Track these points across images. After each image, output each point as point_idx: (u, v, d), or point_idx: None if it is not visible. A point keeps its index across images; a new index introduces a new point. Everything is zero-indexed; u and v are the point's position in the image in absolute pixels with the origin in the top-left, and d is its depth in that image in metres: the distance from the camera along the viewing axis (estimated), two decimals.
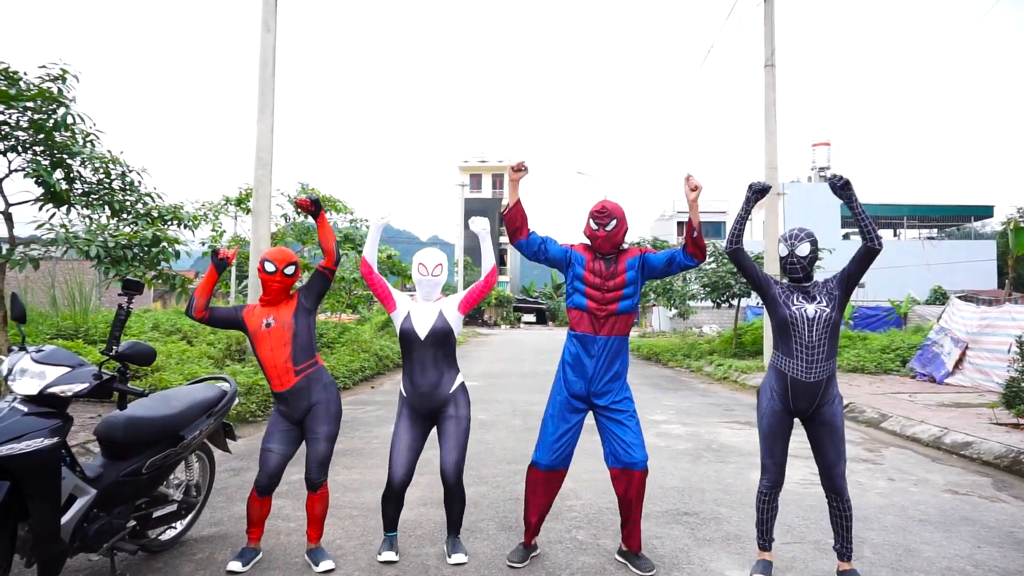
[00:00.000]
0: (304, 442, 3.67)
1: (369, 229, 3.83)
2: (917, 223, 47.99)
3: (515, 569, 3.66)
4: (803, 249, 3.41)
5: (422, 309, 3.76)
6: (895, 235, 49.55)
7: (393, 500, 3.79)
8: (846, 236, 45.91)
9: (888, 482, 5.68)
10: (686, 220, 3.56)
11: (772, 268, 14.30)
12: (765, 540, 3.59)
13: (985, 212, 46.28)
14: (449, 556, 3.74)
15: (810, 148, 48.95)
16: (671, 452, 6.77)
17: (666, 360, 19.78)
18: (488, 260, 3.90)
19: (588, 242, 3.76)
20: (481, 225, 3.91)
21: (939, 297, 32.86)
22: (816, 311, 3.35)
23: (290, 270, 3.62)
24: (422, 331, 3.70)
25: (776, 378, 3.47)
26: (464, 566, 3.70)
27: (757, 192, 3.51)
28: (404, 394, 3.79)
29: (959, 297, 15.13)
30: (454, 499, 3.81)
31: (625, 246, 3.75)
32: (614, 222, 3.61)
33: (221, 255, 3.62)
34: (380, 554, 3.77)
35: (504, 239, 61.74)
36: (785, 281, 3.55)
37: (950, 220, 47.89)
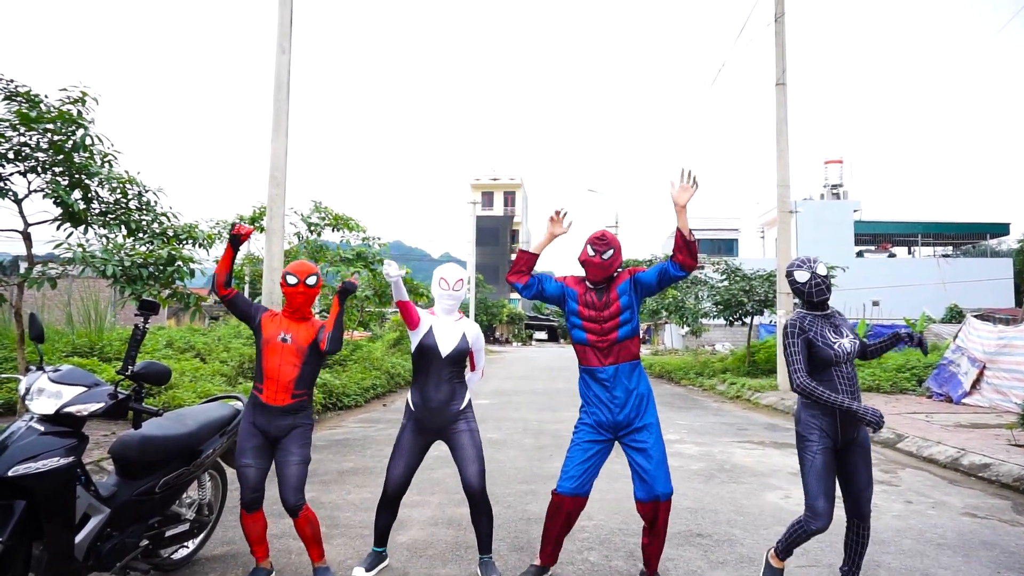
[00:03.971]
0: (275, 464, 3.59)
1: (392, 285, 3.67)
2: (932, 241, 47.62)
3: None
4: (822, 269, 3.44)
5: (445, 326, 3.80)
6: (909, 253, 49.19)
7: (387, 509, 3.82)
8: (859, 254, 45.65)
9: (905, 504, 5.60)
10: (691, 235, 3.56)
11: (783, 283, 14.23)
12: (785, 552, 3.48)
13: (1001, 229, 45.83)
14: None
15: (822, 165, 48.79)
16: (684, 472, 6.71)
17: (678, 378, 19.67)
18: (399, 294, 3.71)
19: (579, 273, 3.77)
20: (394, 271, 3.66)
21: (955, 315, 32.55)
22: (851, 344, 3.38)
23: (312, 280, 3.64)
24: (445, 349, 3.74)
25: (824, 415, 3.34)
26: None
27: None
28: (412, 408, 3.80)
29: (975, 316, 14.97)
30: (481, 511, 3.79)
31: (614, 273, 3.72)
32: (611, 251, 3.60)
33: (237, 230, 3.56)
34: (354, 569, 3.78)
35: (516, 255, 61.79)
36: (804, 314, 3.45)
37: (965, 237, 47.48)
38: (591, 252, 3.61)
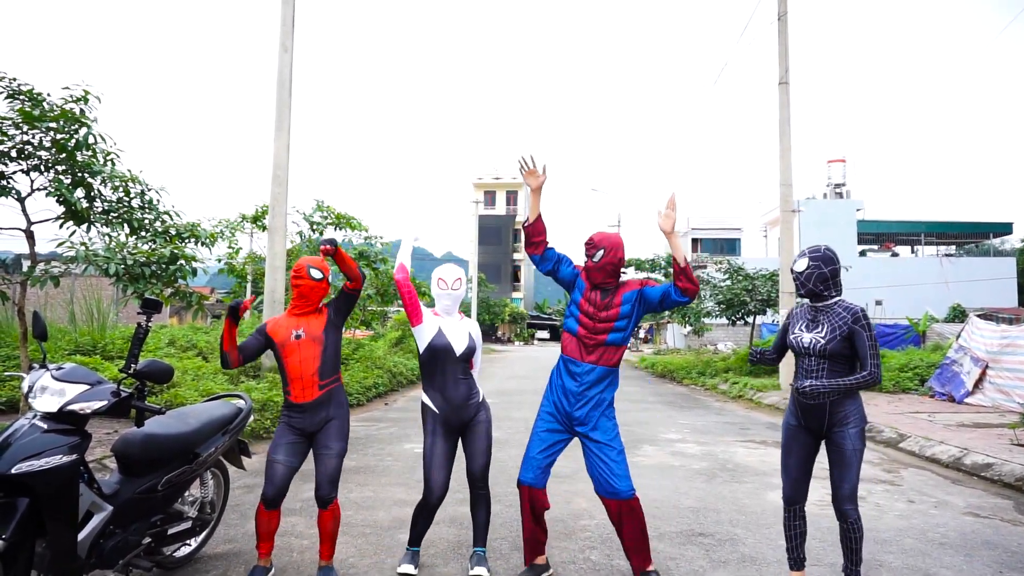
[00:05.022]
0: (313, 457, 3.68)
1: (403, 241, 3.94)
2: (935, 240, 47.51)
3: None
4: (799, 264, 3.44)
5: (453, 326, 3.86)
6: (913, 252, 49.09)
7: (427, 514, 3.87)
8: (863, 253, 45.57)
9: (907, 504, 5.60)
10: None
11: (787, 282, 14.26)
12: (792, 558, 3.57)
13: (1004, 229, 45.74)
14: (472, 569, 3.75)
15: (825, 164, 48.71)
16: (686, 471, 6.71)
17: (680, 378, 19.66)
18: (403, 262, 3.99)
19: None
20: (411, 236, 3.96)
21: (958, 315, 32.50)
22: (811, 340, 3.36)
23: (329, 276, 3.70)
24: (459, 347, 3.80)
25: (792, 395, 3.51)
26: None
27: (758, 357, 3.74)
28: (436, 410, 3.81)
29: (978, 315, 14.95)
30: (481, 502, 3.86)
31: (625, 278, 3.75)
32: (600, 252, 3.60)
33: (242, 309, 3.60)
34: (400, 566, 3.83)
35: (518, 255, 61.80)
36: (805, 302, 3.57)
37: (968, 237, 47.38)
38: (585, 257, 3.68)
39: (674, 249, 3.54)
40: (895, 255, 47.75)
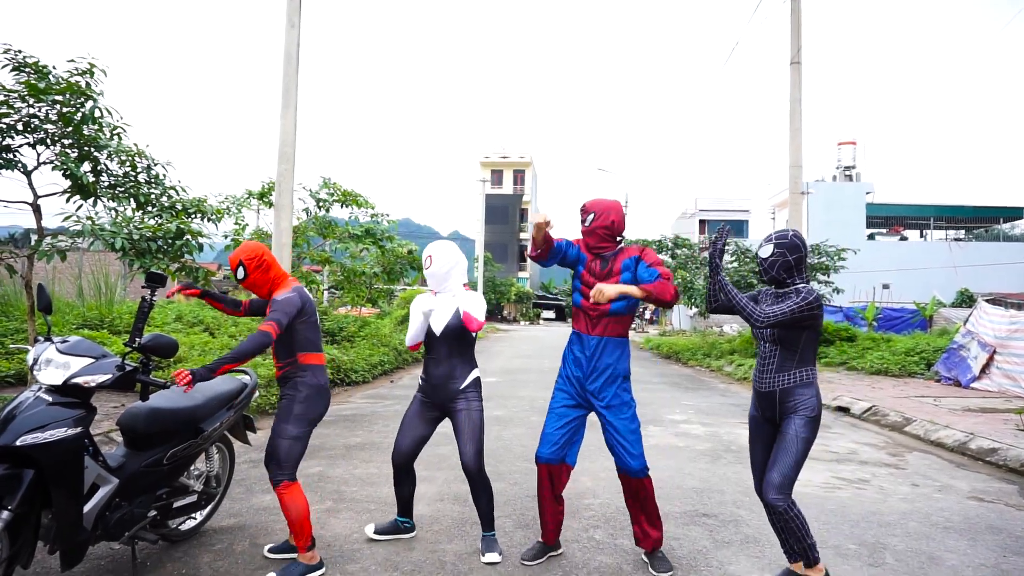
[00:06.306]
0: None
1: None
2: (944, 224, 47.11)
3: (529, 567, 3.65)
4: (764, 251, 3.33)
5: (441, 305, 3.84)
6: (921, 236, 48.73)
7: (396, 478, 3.97)
8: (871, 236, 45.27)
9: (912, 488, 5.59)
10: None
11: None
12: (787, 551, 3.36)
13: (1015, 213, 45.31)
14: (483, 555, 3.75)
15: (836, 147, 48.20)
16: (690, 452, 6.72)
17: (686, 359, 19.65)
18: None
19: None
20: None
21: (966, 300, 32.31)
22: None
23: (240, 273, 3.51)
24: (437, 327, 3.81)
25: (753, 386, 3.49)
26: (488, 565, 3.68)
27: (717, 251, 3.33)
28: (420, 382, 3.97)
29: (986, 300, 14.85)
30: (479, 490, 3.84)
31: (622, 244, 3.73)
32: (591, 216, 3.64)
33: (169, 294, 3.68)
34: (367, 526, 4.06)
35: (524, 234, 61.66)
36: (772, 289, 3.43)
37: (978, 221, 46.96)
38: (580, 223, 3.73)
39: (630, 293, 3.44)
40: (904, 239, 47.41)
